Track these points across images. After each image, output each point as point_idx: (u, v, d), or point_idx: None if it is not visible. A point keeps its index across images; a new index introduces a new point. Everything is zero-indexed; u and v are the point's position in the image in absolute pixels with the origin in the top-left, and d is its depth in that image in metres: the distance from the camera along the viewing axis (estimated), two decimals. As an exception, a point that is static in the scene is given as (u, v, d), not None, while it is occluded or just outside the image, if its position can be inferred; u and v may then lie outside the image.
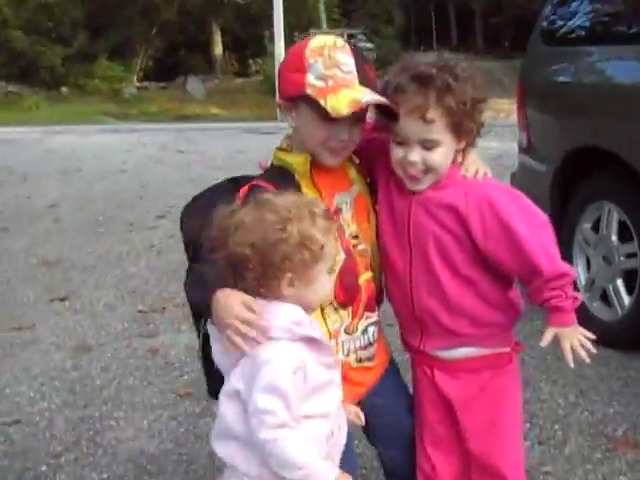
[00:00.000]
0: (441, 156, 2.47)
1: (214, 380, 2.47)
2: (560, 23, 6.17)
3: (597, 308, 5.23)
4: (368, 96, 2.40)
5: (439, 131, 2.44)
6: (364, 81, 2.44)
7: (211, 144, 18.58)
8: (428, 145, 2.44)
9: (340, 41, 2.48)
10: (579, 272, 5.31)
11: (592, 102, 5.31)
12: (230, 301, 2.13)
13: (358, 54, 2.48)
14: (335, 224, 2.28)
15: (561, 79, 5.81)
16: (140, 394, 4.63)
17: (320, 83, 2.40)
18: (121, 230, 9.05)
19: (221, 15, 46.56)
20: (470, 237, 2.50)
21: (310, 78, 2.41)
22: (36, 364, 5.10)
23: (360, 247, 2.60)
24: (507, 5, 48.83)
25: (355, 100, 2.36)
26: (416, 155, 2.44)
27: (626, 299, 5.00)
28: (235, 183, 2.65)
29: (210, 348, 2.31)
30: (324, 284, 2.22)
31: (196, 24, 47.10)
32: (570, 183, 5.36)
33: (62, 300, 6.42)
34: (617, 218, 5.07)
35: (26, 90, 36.61)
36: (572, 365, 2.44)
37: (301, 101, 2.46)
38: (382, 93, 2.47)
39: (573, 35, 5.97)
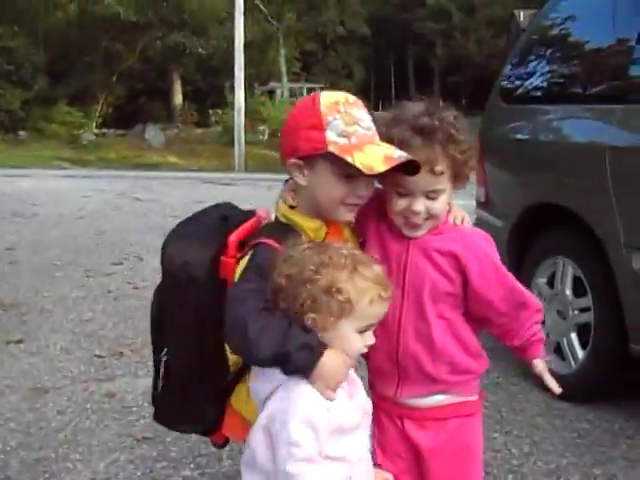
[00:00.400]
0: (443, 204, 2.53)
1: (159, 406, 2.74)
2: (518, 82, 6.30)
3: (551, 361, 5.25)
4: (398, 152, 2.38)
5: (444, 181, 2.50)
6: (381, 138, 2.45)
7: (169, 193, 18.55)
8: (433, 195, 2.49)
9: (351, 97, 2.49)
10: (533, 326, 5.38)
11: (549, 159, 5.42)
12: (338, 363, 2.21)
13: (369, 110, 2.49)
14: (389, 292, 2.25)
15: (519, 136, 5.92)
16: (97, 437, 4.60)
17: (343, 140, 2.37)
18: (78, 275, 8.99)
19: (182, 65, 46.78)
20: (463, 282, 2.59)
21: (331, 135, 2.38)
22: (-9, 406, 5.04)
23: None
24: (466, 64, 49.57)
25: (388, 157, 2.35)
26: (421, 205, 2.49)
27: (580, 353, 5.08)
28: (224, 221, 2.63)
29: (168, 378, 2.55)
30: (351, 341, 2.23)
31: (157, 72, 47.32)
32: (526, 238, 5.45)
33: (18, 342, 6.35)
34: (572, 273, 5.17)
35: (-17, 133, 36.54)
36: (559, 391, 2.62)
37: (320, 159, 2.42)
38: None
39: (531, 94, 6.10)
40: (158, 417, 2.88)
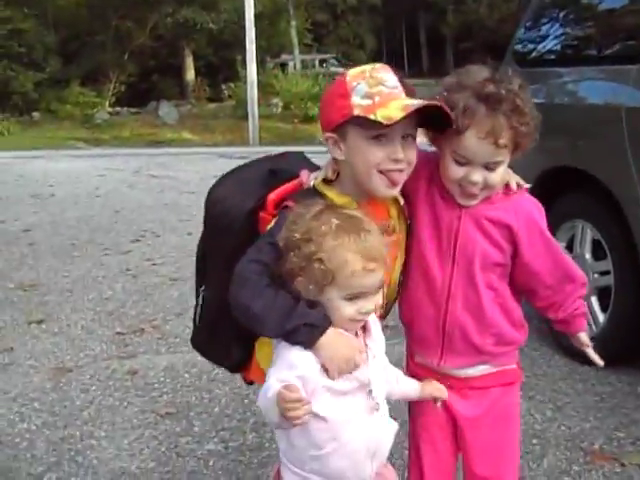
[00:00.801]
0: (500, 175, 2.49)
1: (196, 333, 2.93)
2: (532, 45, 6.26)
3: (572, 326, 5.29)
4: (419, 101, 2.35)
5: (505, 153, 2.46)
6: (410, 94, 2.40)
7: (184, 169, 18.55)
8: (492, 166, 2.45)
9: (378, 64, 2.47)
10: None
11: (564, 123, 5.38)
12: (339, 343, 2.25)
13: (397, 72, 2.45)
14: (375, 264, 2.23)
15: (534, 100, 5.86)
16: (120, 414, 4.64)
17: (367, 101, 2.35)
18: (96, 254, 9.03)
19: (193, 40, 46.60)
20: (512, 253, 2.58)
21: (355, 99, 2.37)
22: (15, 386, 5.08)
23: None
24: (478, 30, 49.27)
25: (406, 105, 2.32)
26: (479, 176, 2.45)
27: (600, 316, 5.08)
28: (273, 175, 2.66)
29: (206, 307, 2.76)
30: (339, 308, 2.24)
31: (168, 49, 47.12)
32: (544, 203, 5.41)
33: (39, 323, 6.40)
34: (591, 236, 5.16)
35: (-3, 115, 36.55)
36: (602, 364, 2.79)
37: (349, 126, 2.40)
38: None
39: (545, 57, 6.05)
40: (194, 343, 3.00)
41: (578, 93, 5.64)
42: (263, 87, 34.29)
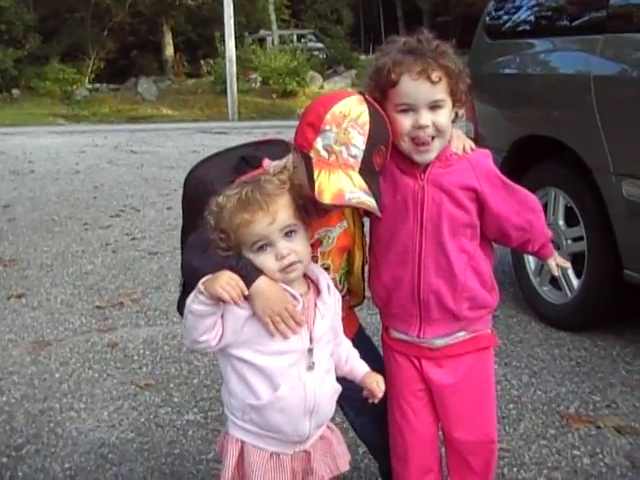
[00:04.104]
0: (446, 118, 2.54)
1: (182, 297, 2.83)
2: (503, 18, 6.29)
3: (547, 292, 5.37)
4: (354, 195, 2.36)
5: (443, 91, 2.51)
6: (367, 168, 2.41)
7: (163, 144, 18.55)
8: (436, 105, 2.50)
9: (365, 116, 2.43)
10: (528, 258, 5.44)
11: (537, 92, 5.42)
12: (274, 292, 2.33)
13: (373, 135, 2.43)
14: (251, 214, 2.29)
15: (506, 71, 5.91)
16: (100, 386, 4.65)
17: (324, 154, 2.38)
18: (76, 229, 9.04)
19: (172, 16, 46.41)
20: (478, 210, 2.65)
21: (318, 143, 2.40)
22: (-6, 360, 5.10)
23: None
24: (455, 3, 49.13)
25: (340, 194, 2.34)
26: (426, 118, 2.49)
27: (575, 282, 5.12)
28: (244, 162, 2.69)
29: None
30: (259, 264, 2.32)
31: (147, 25, 46.90)
32: (517, 172, 5.45)
33: (19, 297, 6.42)
34: (563, 203, 5.20)
35: (-23, 92, 36.45)
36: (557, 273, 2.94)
37: (303, 156, 2.44)
38: (375, 76, 2.54)
39: (515, 28, 6.07)
40: (179, 309, 2.97)
41: (549, 63, 5.66)
42: (241, 63, 34.29)
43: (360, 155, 2.40)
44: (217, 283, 2.20)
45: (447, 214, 2.60)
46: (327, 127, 2.40)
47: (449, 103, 2.54)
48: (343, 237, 2.71)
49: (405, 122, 2.51)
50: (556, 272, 2.93)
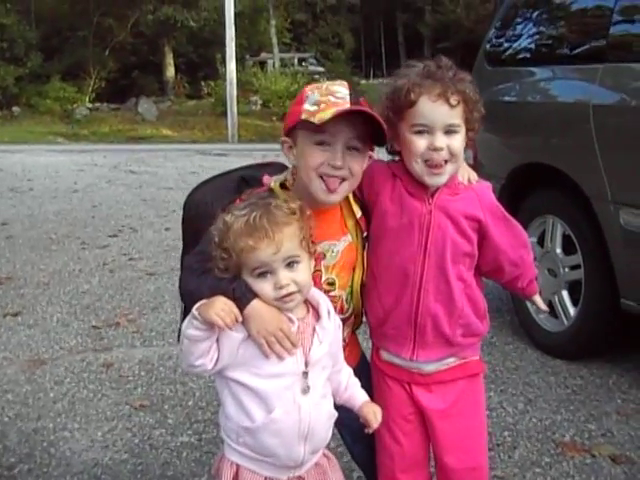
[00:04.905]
0: (460, 143, 2.56)
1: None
2: (503, 45, 6.34)
3: (544, 319, 5.36)
4: (354, 106, 2.48)
5: (459, 116, 2.54)
6: (356, 104, 2.50)
7: (162, 165, 18.58)
8: (451, 130, 2.53)
9: (339, 80, 2.62)
10: (526, 285, 5.44)
11: (536, 120, 5.45)
12: (269, 313, 2.33)
13: (354, 89, 2.56)
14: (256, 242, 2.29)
15: (505, 98, 5.94)
16: (94, 406, 4.64)
17: (314, 108, 2.47)
18: (74, 248, 9.04)
19: (174, 37, 46.60)
20: (479, 241, 2.68)
21: (306, 106, 2.50)
22: (-12, 378, 5.08)
23: (332, 293, 2.66)
24: (455, 30, 49.33)
25: (339, 109, 2.43)
26: (441, 141, 2.52)
27: (571, 310, 5.13)
28: (244, 183, 2.74)
29: None
30: (258, 290, 2.32)
31: (149, 46, 47.10)
32: (515, 199, 5.47)
33: (15, 315, 6.40)
34: (561, 231, 5.22)
35: (-23, 109, 36.56)
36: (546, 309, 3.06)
37: (299, 130, 2.54)
38: (392, 96, 2.57)
39: (516, 56, 6.13)
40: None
41: (548, 91, 5.69)
42: (242, 85, 34.39)
43: (347, 97, 2.51)
44: (211, 309, 2.20)
45: (451, 241, 2.62)
46: (309, 92, 2.56)
47: (463, 129, 2.57)
48: (348, 251, 2.71)
49: (420, 143, 2.53)
50: (545, 307, 3.00)
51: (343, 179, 2.52)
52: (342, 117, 2.43)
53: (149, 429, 4.35)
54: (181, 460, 4.01)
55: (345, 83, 2.59)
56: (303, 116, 2.48)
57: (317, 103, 2.48)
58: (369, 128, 2.50)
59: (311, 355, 2.36)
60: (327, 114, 2.41)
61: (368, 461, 2.98)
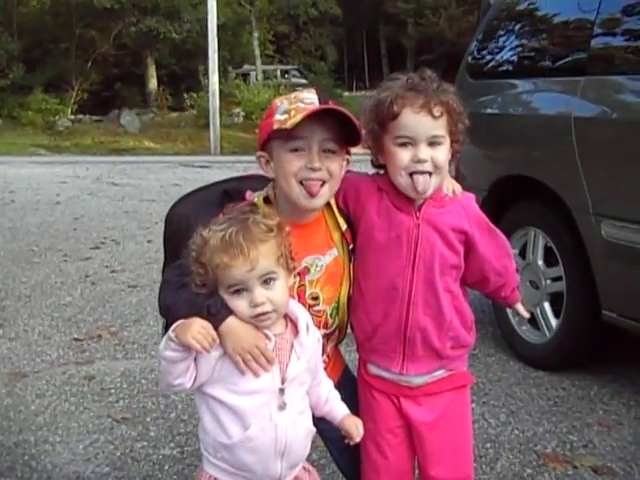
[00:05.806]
0: (444, 155, 2.56)
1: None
2: (484, 58, 6.37)
3: (526, 331, 5.38)
4: (323, 105, 2.51)
5: (443, 127, 2.55)
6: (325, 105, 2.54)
7: (145, 177, 18.54)
8: (435, 142, 2.53)
9: (307, 88, 2.68)
10: (508, 297, 5.46)
11: (518, 132, 5.49)
12: (244, 331, 2.33)
13: (322, 94, 2.58)
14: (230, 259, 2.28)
15: (487, 111, 5.96)
16: (76, 419, 4.61)
17: (284, 116, 2.50)
18: (56, 260, 9.01)
19: (156, 49, 46.60)
20: (465, 253, 2.69)
21: (277, 116, 2.53)
22: (-31, 391, 5.04)
23: (316, 308, 2.67)
24: (438, 42, 49.54)
25: (310, 110, 2.46)
26: (425, 153, 2.52)
27: (553, 322, 5.15)
28: (226, 197, 2.73)
29: None
30: (233, 307, 2.32)
31: (131, 58, 47.11)
32: (497, 211, 5.48)
33: (-4, 328, 6.37)
34: (543, 243, 5.24)
35: (-41, 121, 36.45)
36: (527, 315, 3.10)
37: (273, 142, 2.55)
38: (376, 108, 2.57)
39: (497, 69, 6.16)
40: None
41: (530, 104, 5.73)
42: (225, 97, 34.40)
43: (316, 101, 2.54)
44: (188, 332, 2.20)
45: (439, 254, 2.63)
46: (278, 103, 2.60)
47: (448, 141, 2.57)
48: (334, 265, 2.70)
49: (404, 156, 2.53)
50: (527, 315, 3.06)
51: (323, 182, 2.53)
52: (314, 120, 2.45)
53: (131, 442, 4.33)
54: (163, 473, 3.99)
55: (313, 90, 2.62)
56: (275, 126, 2.51)
57: (287, 111, 2.51)
58: (342, 131, 2.51)
59: (288, 372, 2.36)
60: (298, 118, 2.43)
61: (356, 472, 2.98)
